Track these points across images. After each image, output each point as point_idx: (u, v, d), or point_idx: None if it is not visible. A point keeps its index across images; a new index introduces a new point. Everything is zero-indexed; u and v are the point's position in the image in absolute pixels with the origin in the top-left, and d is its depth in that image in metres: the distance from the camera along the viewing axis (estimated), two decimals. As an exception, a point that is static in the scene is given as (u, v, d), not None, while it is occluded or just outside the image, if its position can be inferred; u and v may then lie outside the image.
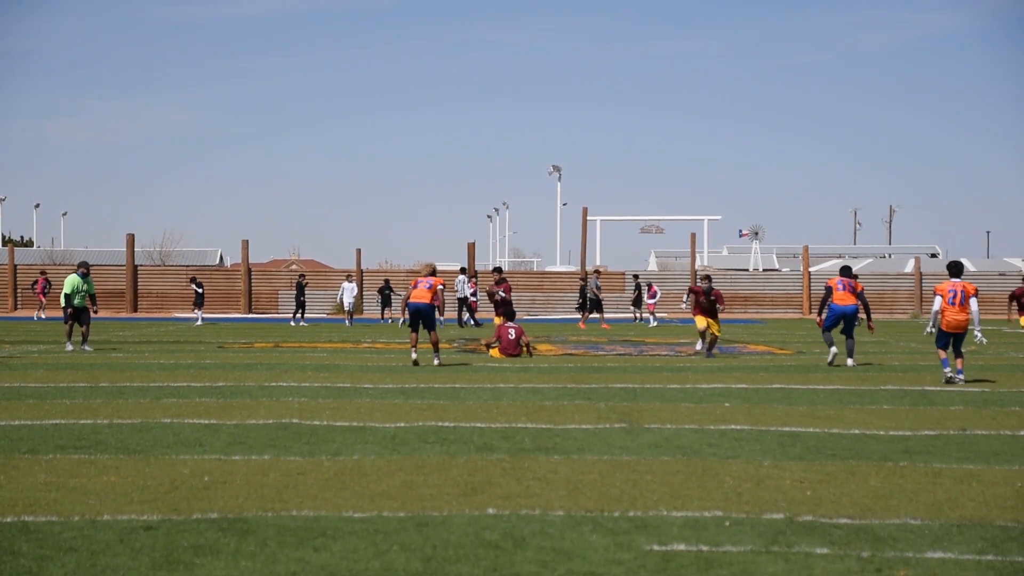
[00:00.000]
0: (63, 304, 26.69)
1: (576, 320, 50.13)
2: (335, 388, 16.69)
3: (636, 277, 51.41)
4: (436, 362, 21.23)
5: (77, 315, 26.69)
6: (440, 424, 12.56)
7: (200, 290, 44.93)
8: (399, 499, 8.44)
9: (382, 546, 7.02)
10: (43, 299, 47.70)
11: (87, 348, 26.16)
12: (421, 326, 21.22)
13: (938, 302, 18.29)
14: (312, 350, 27.04)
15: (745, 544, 7.15)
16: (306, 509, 8.05)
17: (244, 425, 12.38)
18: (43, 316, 46.84)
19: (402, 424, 12.54)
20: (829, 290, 22.04)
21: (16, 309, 56.22)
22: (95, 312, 27.55)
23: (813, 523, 7.74)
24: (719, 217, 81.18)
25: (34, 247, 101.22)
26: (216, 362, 22.05)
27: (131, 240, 59.06)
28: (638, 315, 49.18)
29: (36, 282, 48.62)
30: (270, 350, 26.79)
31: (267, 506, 8.14)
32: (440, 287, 21.32)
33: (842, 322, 21.85)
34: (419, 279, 21.42)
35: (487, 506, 8.20)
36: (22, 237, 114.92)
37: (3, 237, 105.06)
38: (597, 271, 49.35)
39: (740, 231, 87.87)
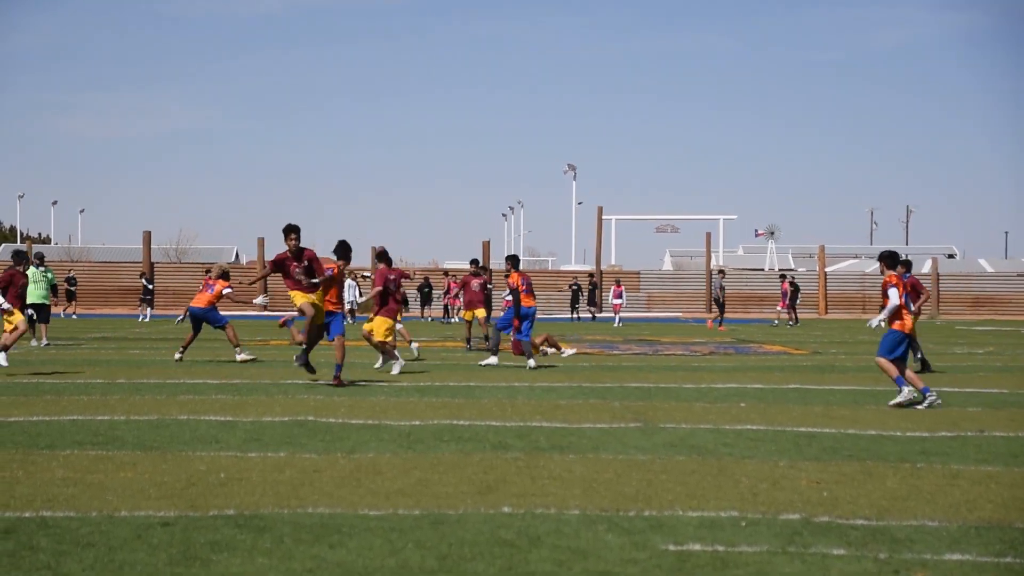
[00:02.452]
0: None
1: (569, 319, 50.26)
2: (351, 386, 16.71)
3: (591, 276, 52.06)
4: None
5: (36, 311, 26.61)
6: (455, 422, 12.57)
7: (150, 286, 45.15)
8: (414, 497, 8.45)
9: (397, 544, 7.02)
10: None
11: (44, 343, 26.22)
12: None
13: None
14: (327, 348, 27.05)
15: (761, 544, 7.13)
16: (322, 506, 8.05)
17: (260, 422, 12.41)
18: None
19: (417, 422, 12.55)
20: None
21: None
22: (55, 304, 27.60)
23: (830, 524, 7.72)
24: (735, 217, 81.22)
25: (51, 244, 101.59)
26: (232, 359, 22.08)
27: (148, 237, 59.27)
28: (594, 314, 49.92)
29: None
30: (285, 347, 26.83)
31: (283, 503, 8.16)
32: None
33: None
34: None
35: (502, 504, 8.20)
36: (40, 234, 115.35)
37: (21, 234, 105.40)
38: (721, 271, 48.74)
39: (756, 231, 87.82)
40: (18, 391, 15.38)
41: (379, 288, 19.82)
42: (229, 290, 22.31)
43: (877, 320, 15.43)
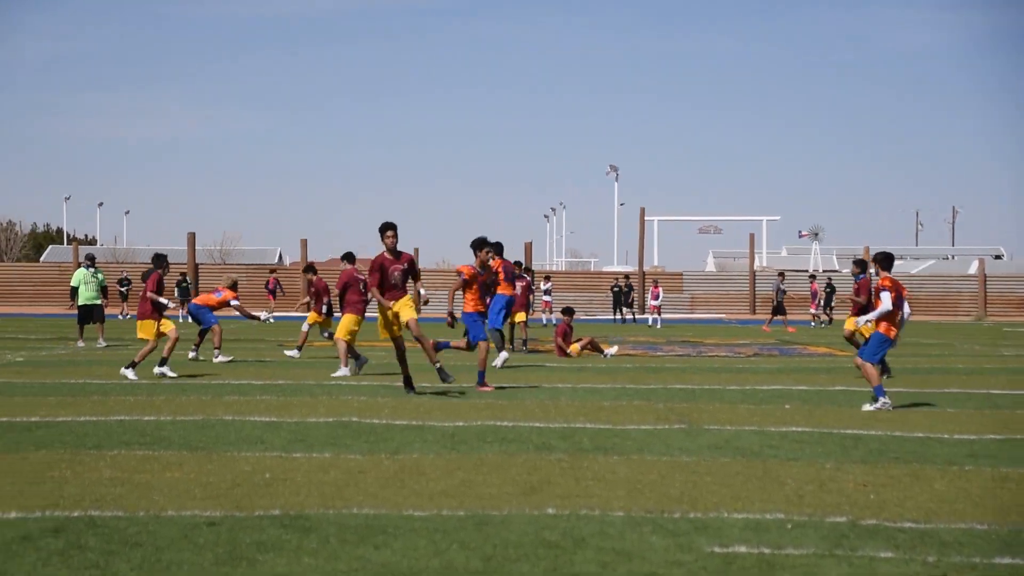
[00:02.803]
0: (70, 296, 27.31)
1: (611, 320, 50.18)
2: (393, 387, 16.73)
3: (627, 278, 51.83)
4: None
5: (89, 313, 27.00)
6: (499, 423, 12.56)
7: (123, 289, 45.38)
8: (458, 498, 8.45)
9: (442, 544, 7.03)
10: (272, 299, 47.02)
11: (102, 344, 26.46)
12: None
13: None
14: (371, 348, 27.15)
15: (808, 547, 7.08)
16: (366, 507, 8.07)
17: (304, 423, 12.45)
18: (271, 318, 46.33)
19: (461, 423, 12.56)
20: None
21: (71, 306, 56.87)
22: (105, 305, 27.91)
23: (877, 527, 7.66)
24: (778, 217, 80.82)
25: (97, 245, 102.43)
26: (276, 360, 22.19)
27: (192, 239, 59.65)
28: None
29: (267, 282, 48.34)
30: (329, 348, 26.92)
31: (328, 503, 8.18)
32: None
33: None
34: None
35: (546, 505, 8.19)
36: (86, 236, 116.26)
37: (68, 236, 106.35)
38: (781, 273, 48.50)
39: (800, 232, 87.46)
40: (65, 391, 15.52)
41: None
42: (236, 302, 22.63)
43: (864, 319, 15.43)
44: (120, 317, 46.78)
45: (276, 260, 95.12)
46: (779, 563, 6.71)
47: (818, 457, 10.51)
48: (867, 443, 11.42)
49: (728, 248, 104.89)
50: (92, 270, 27.39)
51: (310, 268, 23.05)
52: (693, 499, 8.52)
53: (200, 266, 60.20)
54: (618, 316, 50.82)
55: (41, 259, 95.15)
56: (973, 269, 71.57)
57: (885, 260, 15.28)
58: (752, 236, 65.61)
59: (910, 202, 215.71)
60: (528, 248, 57.87)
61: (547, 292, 46.98)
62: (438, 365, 15.44)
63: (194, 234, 59.58)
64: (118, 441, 10.96)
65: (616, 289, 51.37)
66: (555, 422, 12.73)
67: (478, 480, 9.16)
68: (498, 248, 21.24)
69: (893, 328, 14.68)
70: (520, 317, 26.50)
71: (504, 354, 20.99)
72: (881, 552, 6.97)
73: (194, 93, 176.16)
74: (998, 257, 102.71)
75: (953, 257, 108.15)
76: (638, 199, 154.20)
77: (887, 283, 14.75)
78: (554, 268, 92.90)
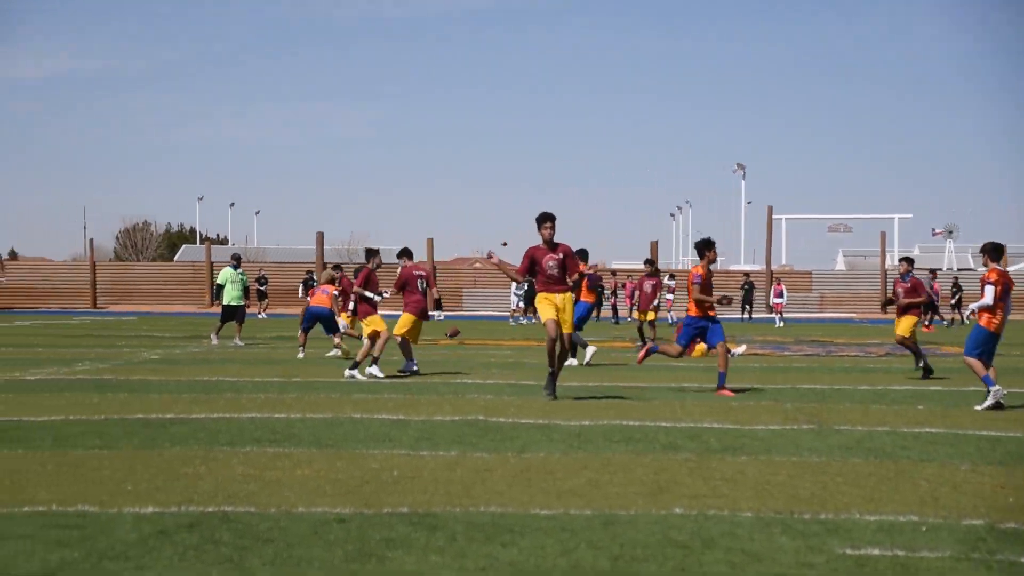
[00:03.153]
0: (215, 294, 27.93)
1: (738, 319, 49.68)
2: (520, 386, 16.79)
3: (747, 276, 51.05)
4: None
5: (233, 312, 27.59)
6: (625, 423, 12.52)
7: (262, 288, 46.04)
8: (585, 497, 8.43)
9: (569, 544, 7.01)
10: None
11: (239, 343, 26.91)
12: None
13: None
14: (496, 348, 27.27)
15: (943, 550, 6.92)
16: (493, 505, 8.09)
17: (431, 421, 12.54)
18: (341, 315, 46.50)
19: (587, 422, 12.54)
20: None
21: (214, 304, 58.05)
22: (247, 305, 28.43)
23: (1017, 530, 7.45)
24: (910, 215, 79.24)
25: (229, 244, 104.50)
26: (400, 359, 22.38)
27: (320, 238, 60.57)
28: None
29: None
30: (455, 347, 27.11)
31: (455, 501, 8.22)
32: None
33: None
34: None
35: (674, 506, 8.13)
36: (218, 235, 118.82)
37: (200, 235, 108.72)
38: (933, 271, 47.91)
39: (933, 230, 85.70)
40: (199, 389, 15.85)
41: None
42: (336, 293, 23.24)
43: (969, 310, 14.99)
44: (259, 316, 47.61)
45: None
46: (913, 566, 6.56)
47: (953, 458, 10.27)
48: (1005, 445, 11.13)
49: (858, 247, 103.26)
50: (239, 270, 27.95)
51: (403, 253, 22.88)
52: (823, 500, 8.38)
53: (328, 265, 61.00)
54: (745, 315, 50.41)
55: (175, 258, 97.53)
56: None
57: (994, 251, 14.84)
58: (883, 234, 64.39)
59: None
60: (654, 247, 57.58)
61: (670, 291, 46.74)
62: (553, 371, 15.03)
63: (323, 233, 60.51)
64: (250, 438, 11.15)
65: (747, 288, 50.95)
66: (682, 422, 12.64)
67: (605, 479, 9.13)
68: (583, 255, 21.24)
69: (995, 320, 14.33)
70: (650, 316, 26.42)
71: (573, 361, 21.05)
72: (1022, 557, 6.78)
73: (321, 94, 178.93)
74: None
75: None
76: (765, 197, 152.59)
77: (994, 276, 14.44)
78: (679, 267, 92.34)
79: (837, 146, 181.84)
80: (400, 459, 10.01)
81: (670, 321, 43.85)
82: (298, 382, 17.13)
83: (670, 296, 46.66)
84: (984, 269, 14.68)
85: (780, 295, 46.58)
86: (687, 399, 14.96)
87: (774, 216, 65.84)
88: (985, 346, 14.32)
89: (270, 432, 11.58)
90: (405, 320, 19.41)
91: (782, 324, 44.56)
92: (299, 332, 23.39)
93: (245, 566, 6.46)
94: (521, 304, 44.92)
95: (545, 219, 15.24)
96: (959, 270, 75.44)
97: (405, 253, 20.53)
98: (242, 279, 27.83)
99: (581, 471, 9.48)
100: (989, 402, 14.05)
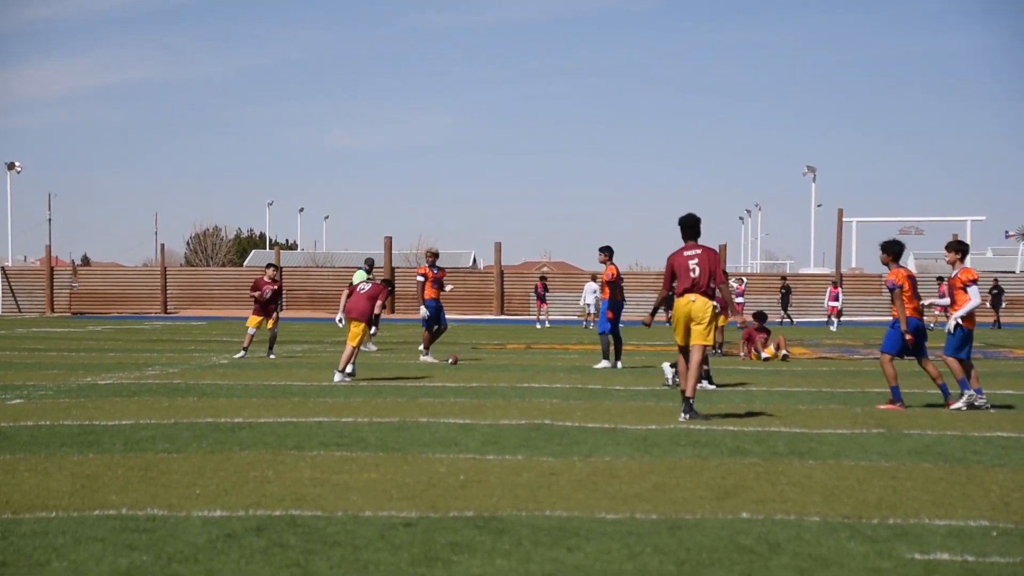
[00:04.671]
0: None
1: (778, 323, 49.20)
2: (586, 390, 16.77)
3: (784, 279, 50.40)
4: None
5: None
6: (692, 427, 12.46)
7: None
8: (651, 501, 8.40)
9: (635, 548, 7.00)
10: (542, 305, 47.01)
11: (372, 348, 26.89)
12: None
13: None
14: (563, 352, 27.26)
15: (1015, 556, 6.82)
16: (559, 509, 8.09)
17: (497, 425, 12.56)
18: (546, 321, 46.53)
19: (653, 426, 12.49)
20: None
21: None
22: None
23: (1089, 536, 7.33)
24: (983, 218, 77.95)
25: (298, 250, 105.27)
26: (470, 363, 22.45)
27: (388, 243, 60.93)
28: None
29: (536, 287, 48.23)
30: (522, 351, 27.13)
31: (521, 505, 8.23)
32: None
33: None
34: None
35: (741, 510, 8.08)
36: (287, 240, 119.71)
37: (269, 240, 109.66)
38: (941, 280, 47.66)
39: (1007, 232, 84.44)
40: (267, 393, 15.98)
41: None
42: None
43: (956, 316, 14.75)
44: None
45: (471, 263, 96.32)
46: (984, 571, 6.48)
47: (1025, 463, 10.12)
48: (1078, 449, 10.94)
49: (930, 250, 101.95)
50: (371, 274, 27.84)
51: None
52: (892, 505, 8.30)
53: (396, 269, 61.35)
54: (785, 319, 49.84)
55: (245, 263, 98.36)
56: None
57: (959, 247, 15.08)
58: (955, 237, 63.67)
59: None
60: (723, 250, 57.28)
61: (740, 295, 46.42)
62: (689, 396, 13.18)
63: (391, 238, 60.86)
64: (317, 442, 11.23)
65: (783, 292, 50.46)
66: (749, 426, 12.57)
67: (671, 483, 9.10)
68: (608, 252, 21.30)
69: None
70: (721, 321, 26.29)
71: (605, 362, 21.06)
72: (1094, 563, 6.67)
73: (389, 100, 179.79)
74: None
75: None
76: (836, 200, 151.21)
77: (973, 275, 14.73)
78: (749, 270, 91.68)
79: (909, 148, 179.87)
80: (466, 463, 10.03)
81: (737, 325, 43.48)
82: (364, 386, 17.22)
83: (740, 300, 46.35)
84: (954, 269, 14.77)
85: (836, 298, 45.80)
86: (755, 403, 14.87)
87: (844, 219, 65.19)
88: (967, 346, 14.67)
89: (337, 436, 11.65)
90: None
91: (835, 328, 43.87)
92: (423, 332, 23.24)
93: (312, 569, 6.51)
94: (591, 310, 44.71)
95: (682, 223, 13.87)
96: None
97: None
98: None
99: (647, 475, 9.45)
100: (961, 402, 14.40)
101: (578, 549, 6.96)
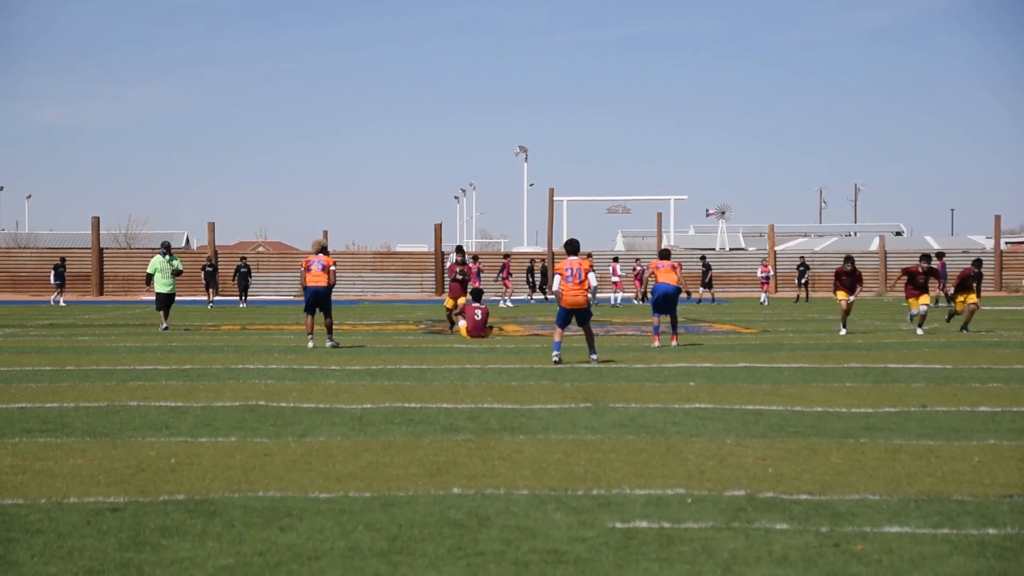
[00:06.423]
0: (145, 283, 27.80)
1: (526, 300, 50.43)
2: (302, 370, 16.72)
3: (703, 258, 51.47)
4: (330, 344, 21.19)
5: (167, 300, 27.39)
6: (406, 405, 12.62)
7: (210, 269, 44.60)
8: (365, 480, 8.50)
9: (348, 526, 7.08)
10: (507, 284, 46.11)
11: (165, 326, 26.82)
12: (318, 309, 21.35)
13: (557, 281, 18.05)
14: (279, 332, 27.03)
15: (706, 521, 7.25)
16: (272, 490, 8.09)
17: (211, 407, 12.40)
18: (510, 302, 45.30)
19: (369, 405, 12.59)
20: (653, 273, 21.86)
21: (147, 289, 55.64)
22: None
23: (774, 499, 7.84)
24: (685, 197, 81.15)
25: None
26: (182, 344, 22.02)
27: (96, 223, 58.76)
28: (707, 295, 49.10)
29: (503, 267, 47.08)
30: (236, 332, 26.77)
31: (234, 487, 8.19)
32: (333, 267, 21.43)
33: (663, 300, 21.50)
34: (311, 259, 21.27)
35: (452, 486, 8.27)
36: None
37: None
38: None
39: (707, 211, 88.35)
40: (-34, 380, 15.27)
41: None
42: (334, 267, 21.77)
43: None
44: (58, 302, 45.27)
45: (183, 244, 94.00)
46: (677, 537, 6.85)
47: (719, 433, 10.71)
48: (767, 418, 11.65)
49: (637, 228, 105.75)
50: (167, 257, 27.34)
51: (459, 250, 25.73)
52: (597, 476, 8.65)
53: (104, 250, 59.34)
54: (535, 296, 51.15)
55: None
56: (874, 246, 72.89)
57: (568, 246, 18.40)
58: (660, 215, 66.18)
59: (814, 180, 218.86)
60: (438, 229, 57.83)
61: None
62: None
63: (98, 218, 58.73)
64: (19, 429, 10.84)
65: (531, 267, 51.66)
66: (463, 403, 12.81)
67: (385, 462, 9.22)
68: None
69: (564, 301, 17.87)
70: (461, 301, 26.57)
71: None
72: (777, 524, 7.16)
73: (98, 75, 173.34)
74: (898, 234, 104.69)
75: (856, 234, 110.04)
76: (547, 179, 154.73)
77: (557, 268, 18.06)
78: (467, 249, 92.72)
79: (616, 129, 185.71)
80: (178, 446, 9.89)
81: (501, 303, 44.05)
82: (71, 370, 16.66)
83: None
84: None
85: (767, 277, 48.31)
86: (469, 381, 15.15)
87: (556, 198, 66.79)
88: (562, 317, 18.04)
89: (41, 422, 11.28)
90: None
91: (766, 302, 45.78)
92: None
93: (11, 559, 6.32)
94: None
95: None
96: (731, 250, 78.10)
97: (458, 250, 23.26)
98: (172, 266, 27.29)
99: (362, 454, 9.55)
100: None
101: (291, 529, 7.00)
